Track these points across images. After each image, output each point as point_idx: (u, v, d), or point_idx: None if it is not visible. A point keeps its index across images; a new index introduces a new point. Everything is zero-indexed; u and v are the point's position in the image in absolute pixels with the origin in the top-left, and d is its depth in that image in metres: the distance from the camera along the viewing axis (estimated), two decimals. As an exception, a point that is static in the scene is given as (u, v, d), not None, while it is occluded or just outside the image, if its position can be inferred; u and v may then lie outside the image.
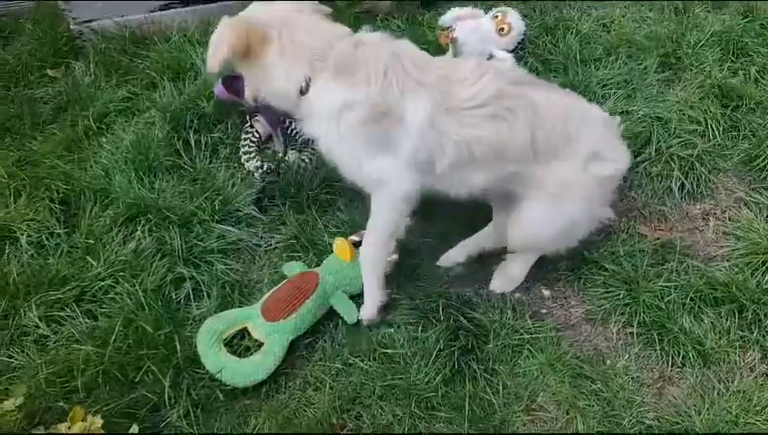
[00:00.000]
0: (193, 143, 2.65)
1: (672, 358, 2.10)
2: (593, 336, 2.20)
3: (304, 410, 2.00)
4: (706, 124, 2.70)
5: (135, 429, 1.82)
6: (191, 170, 2.58)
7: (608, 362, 2.13)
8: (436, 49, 2.91)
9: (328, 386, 2.04)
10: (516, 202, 2.13)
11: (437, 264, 2.36)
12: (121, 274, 2.24)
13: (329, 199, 2.51)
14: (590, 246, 2.37)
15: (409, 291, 2.25)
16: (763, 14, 3.16)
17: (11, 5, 3.38)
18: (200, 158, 2.62)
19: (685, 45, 3.03)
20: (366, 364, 2.07)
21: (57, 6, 3.05)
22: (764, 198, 2.50)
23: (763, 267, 2.27)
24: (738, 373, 2.07)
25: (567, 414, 1.99)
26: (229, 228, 2.40)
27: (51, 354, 2.09)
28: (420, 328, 2.14)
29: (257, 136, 2.68)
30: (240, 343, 2.12)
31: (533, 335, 2.14)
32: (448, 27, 3.04)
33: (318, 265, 2.27)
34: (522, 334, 2.14)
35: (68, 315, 2.17)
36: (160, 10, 3.10)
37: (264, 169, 2.56)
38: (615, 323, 2.21)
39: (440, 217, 2.47)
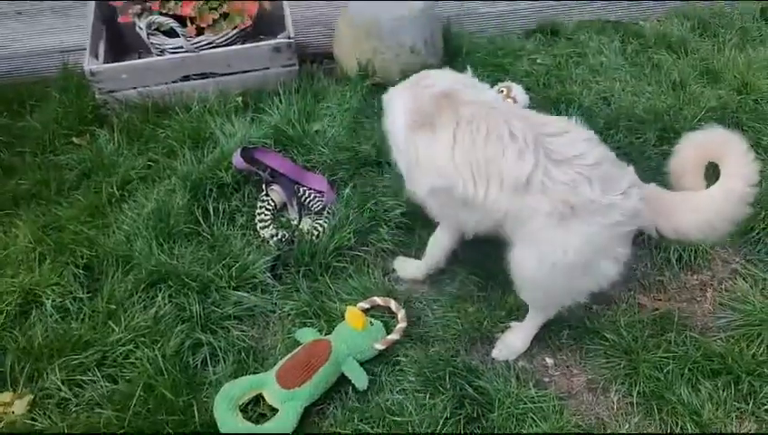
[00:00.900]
0: (211, 211, 2.77)
1: (671, 428, 2.17)
2: (595, 405, 2.28)
3: (316, 476, 2.07)
4: (703, 197, 2.81)
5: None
6: (209, 237, 2.69)
7: (609, 430, 2.20)
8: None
9: (339, 452, 2.11)
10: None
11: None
12: (142, 339, 2.33)
13: (341, 267, 2.61)
14: (592, 315, 2.47)
15: (418, 358, 2.33)
16: (757, 89, 3.31)
17: (40, 72, 3.57)
18: (218, 225, 2.74)
19: (682, 119, 3.16)
20: (375, 431, 2.15)
21: (83, 76, 3.20)
22: (759, 269, 2.60)
23: (759, 339, 2.35)
24: (735, 444, 2.14)
25: (570, 483, 2.06)
26: (245, 295, 2.50)
27: (72, 418, 2.17)
28: (428, 395, 2.22)
29: (273, 205, 2.81)
30: (255, 409, 2.19)
31: (537, 404, 2.21)
32: (455, 100, 3.19)
33: (329, 331, 2.37)
34: (526, 403, 2.21)
35: (89, 379, 2.26)
36: (182, 81, 3.25)
37: (279, 237, 2.68)
38: (616, 392, 2.29)
39: (449, 284, 2.58)
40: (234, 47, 3.25)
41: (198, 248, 2.65)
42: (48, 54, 3.68)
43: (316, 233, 2.69)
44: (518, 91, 3.13)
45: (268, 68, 3.31)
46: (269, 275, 2.56)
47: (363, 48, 3.31)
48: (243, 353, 2.34)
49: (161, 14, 3.24)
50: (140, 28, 3.27)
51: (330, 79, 3.49)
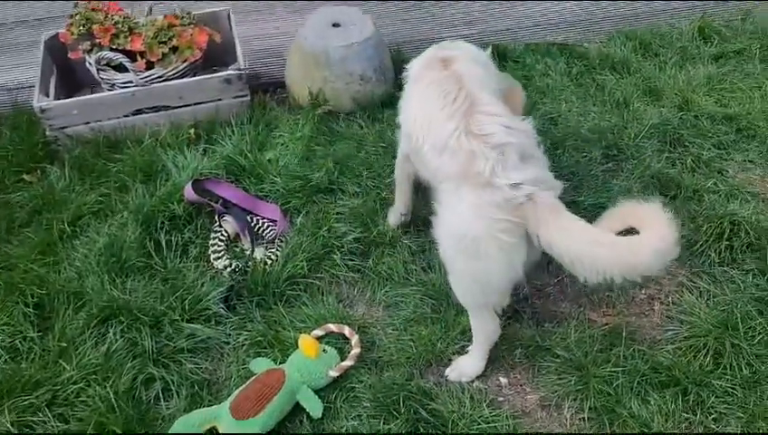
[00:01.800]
0: (164, 244, 2.76)
1: (622, 441, 2.22)
2: (548, 422, 2.30)
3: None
4: (648, 212, 2.89)
5: None
6: (162, 270, 2.68)
7: (563, 447, 2.24)
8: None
9: (294, 482, 2.11)
10: None
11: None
12: (93, 376, 2.30)
13: (294, 295, 2.62)
14: (544, 333, 2.51)
15: (373, 383, 2.34)
16: (697, 106, 3.42)
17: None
18: (171, 258, 2.73)
19: (626, 137, 3.25)
20: (331, 459, 2.15)
21: (34, 113, 3.19)
22: (704, 282, 2.67)
23: (705, 349, 2.41)
24: (684, 455, 2.19)
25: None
26: (198, 327, 2.49)
27: (22, 460, 2.15)
28: (382, 421, 2.22)
29: (226, 235, 2.81)
30: (209, 443, 2.19)
31: (491, 424, 2.24)
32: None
33: (284, 361, 2.37)
34: (480, 423, 2.23)
35: (40, 420, 2.22)
36: (133, 115, 3.25)
37: (233, 267, 2.69)
38: (568, 408, 2.32)
39: (403, 308, 2.60)
40: (184, 80, 3.27)
41: (151, 282, 2.64)
42: (-1, 92, 3.67)
43: (270, 262, 2.70)
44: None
45: (220, 99, 3.33)
46: (222, 306, 2.56)
47: (314, 77, 3.35)
48: (196, 387, 2.33)
49: (111, 49, 3.25)
50: (90, 64, 3.27)
51: (282, 108, 3.53)
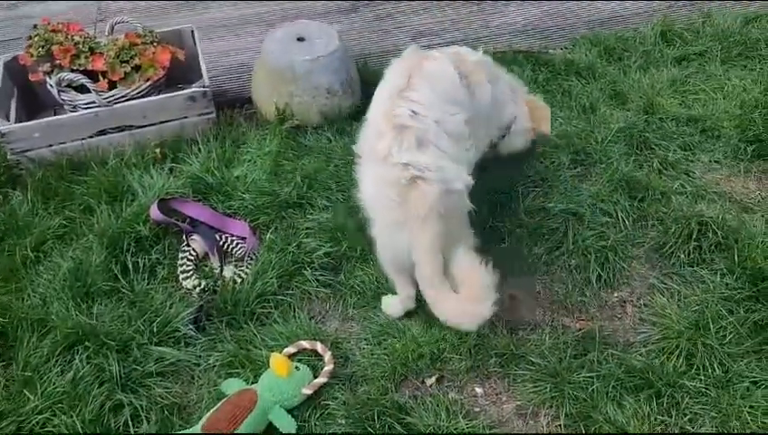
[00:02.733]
0: (131, 266, 2.71)
1: (599, 447, 2.21)
2: (525, 431, 2.29)
3: None
4: (617, 216, 2.90)
5: None
6: (129, 293, 2.63)
7: (540, 456, 2.22)
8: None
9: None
10: None
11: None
12: (59, 405, 2.24)
13: (265, 313, 2.59)
14: (518, 341, 2.50)
15: (347, 399, 2.31)
16: (661, 109, 3.45)
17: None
18: (138, 280, 2.68)
19: (593, 142, 3.27)
20: (306, 478, 2.12)
21: (-7, 137, 3.12)
22: (674, 283, 2.68)
23: (677, 351, 2.41)
24: (662, 457, 2.18)
25: None
26: (167, 350, 2.44)
27: (-13, 495, 2.08)
28: (358, 437, 2.20)
29: (194, 255, 2.77)
30: (180, 468, 2.14)
31: (467, 436, 2.22)
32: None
33: (256, 380, 2.33)
34: (456, 436, 2.22)
35: (5, 453, 2.17)
36: (97, 136, 3.20)
37: (202, 287, 2.64)
38: (545, 416, 2.31)
39: (375, 321, 2.58)
40: (148, 99, 3.23)
41: (118, 305, 2.59)
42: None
43: (240, 280, 2.67)
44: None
45: (186, 117, 3.29)
46: (192, 327, 2.51)
47: (280, 92, 3.32)
48: (166, 411, 2.28)
49: (72, 70, 3.20)
50: (51, 86, 3.22)
51: (250, 123, 3.51)
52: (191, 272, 2.71)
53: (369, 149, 2.25)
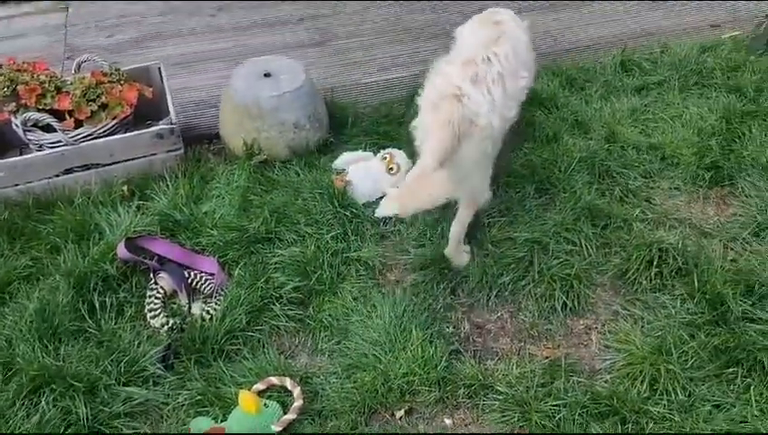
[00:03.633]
0: (98, 305, 2.70)
1: (566, 476, 2.23)
2: (494, 461, 2.32)
3: None
4: (581, 244, 2.95)
5: None
6: (97, 333, 2.62)
7: (509, 486, 2.24)
8: (334, 191, 3.13)
9: None
10: None
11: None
12: (24, 450, 2.23)
13: (234, 350, 2.59)
14: (486, 371, 2.52)
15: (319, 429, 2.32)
16: (622, 137, 3.53)
17: None
18: (105, 319, 2.67)
19: (557, 171, 3.33)
20: None
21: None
22: (638, 309, 2.73)
23: (641, 376, 2.45)
24: (628, 484, 2.21)
25: None
26: (135, 390, 2.43)
27: None
28: (328, 473, 2.20)
29: (162, 292, 2.77)
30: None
31: (437, 468, 2.24)
32: (342, 171, 3.28)
33: (225, 418, 2.32)
34: (425, 468, 2.23)
35: (-32, 501, 2.13)
36: (64, 174, 3.20)
37: (170, 325, 2.64)
38: (513, 445, 2.34)
39: (344, 355, 2.59)
40: (115, 137, 3.24)
41: (85, 346, 2.57)
42: None
43: (208, 317, 2.67)
44: (400, 157, 3.24)
45: (154, 154, 3.30)
46: (160, 365, 2.51)
47: (247, 128, 3.35)
48: (134, 452, 2.27)
49: (38, 109, 3.20)
50: (17, 126, 3.21)
51: (218, 159, 3.53)
52: (159, 310, 2.71)
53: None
